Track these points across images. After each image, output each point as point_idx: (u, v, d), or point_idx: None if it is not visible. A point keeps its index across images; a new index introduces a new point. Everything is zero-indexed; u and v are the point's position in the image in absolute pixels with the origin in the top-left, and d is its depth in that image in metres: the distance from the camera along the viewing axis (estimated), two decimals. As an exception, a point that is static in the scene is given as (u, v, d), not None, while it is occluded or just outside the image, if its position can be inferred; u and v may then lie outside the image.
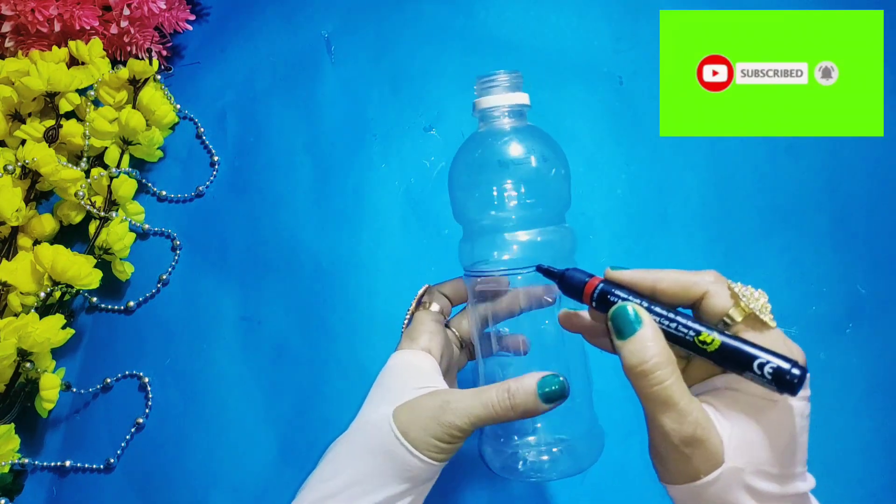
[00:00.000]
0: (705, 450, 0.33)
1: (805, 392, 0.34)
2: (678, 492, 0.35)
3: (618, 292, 0.37)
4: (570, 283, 0.38)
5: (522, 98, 0.45)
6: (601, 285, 0.37)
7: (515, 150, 0.44)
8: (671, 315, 0.36)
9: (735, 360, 0.34)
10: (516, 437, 0.43)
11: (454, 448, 0.39)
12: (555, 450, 0.42)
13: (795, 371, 0.32)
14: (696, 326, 0.35)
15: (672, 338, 0.35)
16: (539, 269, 0.40)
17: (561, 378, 0.38)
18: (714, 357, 0.35)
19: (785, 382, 0.33)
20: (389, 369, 0.43)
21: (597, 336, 0.41)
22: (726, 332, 0.35)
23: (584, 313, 0.41)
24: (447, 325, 0.49)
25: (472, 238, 0.45)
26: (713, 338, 0.34)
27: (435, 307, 0.47)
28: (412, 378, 0.41)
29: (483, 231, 0.44)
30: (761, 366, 0.33)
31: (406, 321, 0.48)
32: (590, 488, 0.53)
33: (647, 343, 0.34)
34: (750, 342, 0.34)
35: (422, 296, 0.48)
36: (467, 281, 0.46)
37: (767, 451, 0.33)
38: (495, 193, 0.43)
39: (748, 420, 0.34)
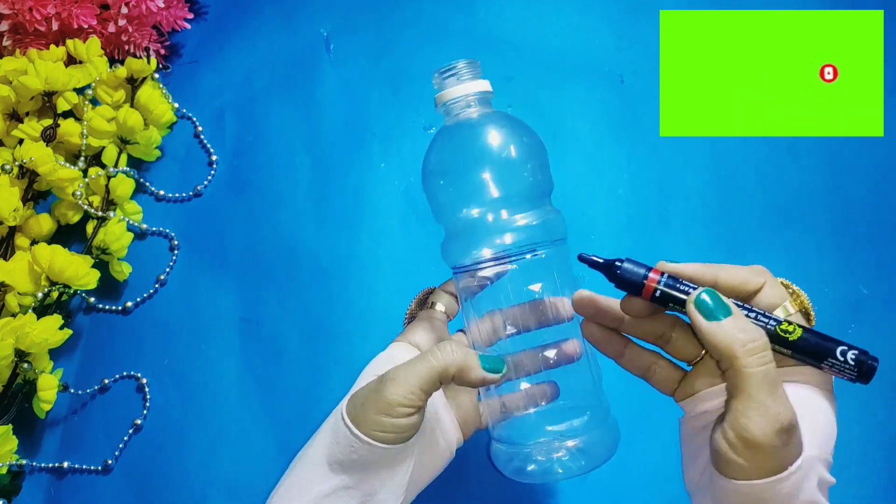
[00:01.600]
0: (797, 437, 0.32)
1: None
2: (751, 489, 0.32)
3: (681, 285, 0.36)
4: (626, 275, 0.37)
5: (484, 85, 0.44)
6: (665, 277, 0.36)
7: (488, 137, 0.43)
8: (747, 305, 0.35)
9: (816, 349, 0.34)
10: (528, 439, 0.42)
11: (406, 425, 0.37)
12: (569, 445, 0.41)
13: (873, 359, 0.34)
14: (775, 316, 0.35)
15: None
16: (581, 258, 0.39)
17: (504, 361, 0.39)
18: (793, 346, 0.34)
19: (865, 369, 0.33)
20: (371, 363, 0.43)
21: (608, 321, 0.39)
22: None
23: (602, 298, 0.39)
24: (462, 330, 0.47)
25: (457, 236, 0.43)
26: (794, 327, 0.34)
27: (439, 307, 0.45)
28: (382, 369, 0.40)
29: (467, 227, 0.43)
30: (844, 352, 0.33)
31: (407, 321, 0.48)
32: (590, 488, 0.53)
33: (749, 322, 0.33)
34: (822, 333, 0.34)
35: (423, 297, 0.47)
36: (458, 280, 0.44)
37: (829, 440, 0.33)
38: (475, 185, 0.42)
39: (808, 410, 0.34)
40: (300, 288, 0.61)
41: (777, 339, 0.34)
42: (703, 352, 0.38)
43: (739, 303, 0.35)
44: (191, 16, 0.71)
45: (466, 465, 0.54)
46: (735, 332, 0.32)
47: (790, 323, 0.34)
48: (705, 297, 0.34)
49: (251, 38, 0.73)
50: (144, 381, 0.58)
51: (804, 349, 0.34)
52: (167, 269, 0.63)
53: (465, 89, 0.43)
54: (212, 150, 0.67)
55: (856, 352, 0.33)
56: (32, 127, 0.61)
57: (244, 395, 0.58)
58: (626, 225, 0.62)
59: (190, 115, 0.69)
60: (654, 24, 0.70)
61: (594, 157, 0.65)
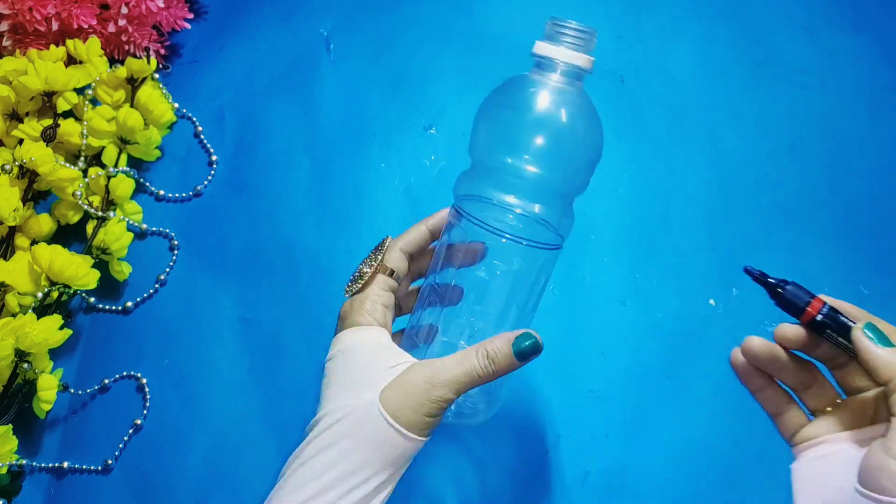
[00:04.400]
0: None
1: None
2: None
3: (841, 316, 0.38)
4: (789, 296, 0.40)
5: (585, 61, 0.43)
6: (827, 306, 0.39)
7: (558, 112, 0.43)
8: None
9: None
10: None
11: (440, 420, 0.40)
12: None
13: None
14: None
15: None
16: (748, 271, 0.41)
17: (534, 335, 0.40)
18: None
19: None
20: (352, 350, 0.42)
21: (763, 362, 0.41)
22: None
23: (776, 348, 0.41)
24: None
25: (478, 173, 0.44)
26: None
27: (393, 273, 0.45)
28: (380, 357, 0.41)
29: (490, 172, 0.43)
30: None
31: (356, 279, 0.45)
32: (590, 488, 0.53)
33: None
34: None
35: (380, 253, 0.45)
36: (457, 229, 0.44)
37: None
38: (531, 141, 0.42)
39: None
40: (300, 288, 0.61)
41: None
42: (835, 402, 0.40)
43: None
44: (191, 16, 0.71)
45: (467, 465, 0.54)
46: None
47: None
48: (874, 324, 0.37)
49: (251, 37, 0.73)
50: (144, 381, 0.58)
51: None
52: (167, 269, 0.63)
53: (572, 57, 0.43)
54: (212, 150, 0.67)
55: None
56: (32, 127, 0.61)
57: (244, 394, 0.58)
58: (626, 225, 0.62)
59: (190, 115, 0.69)
60: (655, 24, 0.70)
61: (594, 157, 0.65)
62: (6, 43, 0.65)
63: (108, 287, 0.62)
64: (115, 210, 0.62)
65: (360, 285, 0.44)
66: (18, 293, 0.56)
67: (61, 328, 0.54)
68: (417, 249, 0.47)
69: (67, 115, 0.64)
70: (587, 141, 0.44)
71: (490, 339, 0.40)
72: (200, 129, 0.68)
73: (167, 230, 0.64)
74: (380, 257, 0.45)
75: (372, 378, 0.40)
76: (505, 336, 0.40)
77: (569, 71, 0.43)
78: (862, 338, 0.36)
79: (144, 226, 0.64)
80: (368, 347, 0.42)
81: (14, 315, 0.55)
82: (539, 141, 0.42)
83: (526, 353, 0.40)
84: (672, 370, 0.57)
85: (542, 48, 0.43)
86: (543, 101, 0.43)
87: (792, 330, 0.40)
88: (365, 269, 0.45)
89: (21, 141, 0.60)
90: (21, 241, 0.59)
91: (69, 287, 0.56)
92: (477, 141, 0.45)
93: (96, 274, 0.58)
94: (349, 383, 0.40)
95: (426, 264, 0.48)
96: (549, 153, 0.42)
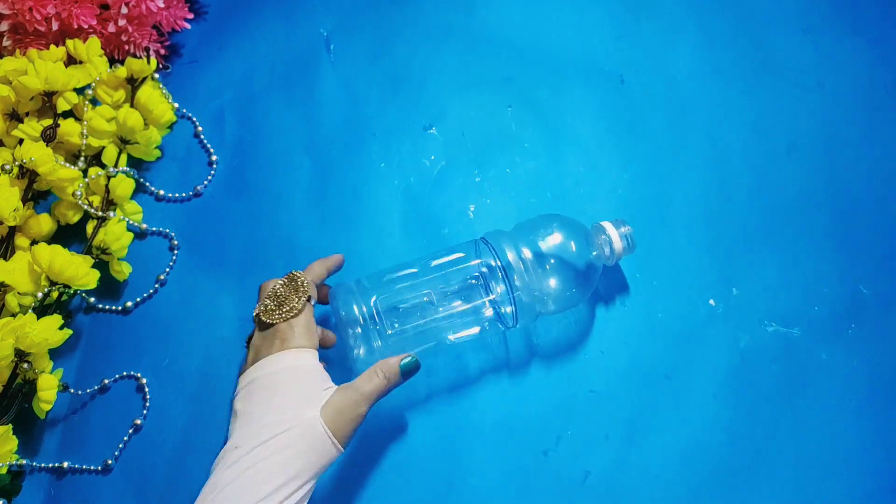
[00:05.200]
0: None
1: None
2: None
3: None
4: None
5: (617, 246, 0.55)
6: None
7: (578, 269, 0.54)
8: None
9: None
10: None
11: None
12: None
13: None
14: None
15: None
16: None
17: (415, 358, 0.50)
18: None
19: None
20: (296, 369, 0.48)
21: None
22: None
23: None
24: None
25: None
26: None
27: (312, 300, 0.51)
28: (316, 379, 0.48)
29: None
30: None
31: (280, 304, 0.50)
32: (590, 488, 0.53)
33: None
34: None
35: (292, 282, 0.51)
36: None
37: None
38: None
39: None
40: (300, 288, 0.61)
41: None
42: None
43: None
44: (191, 16, 0.71)
45: (467, 466, 0.54)
46: None
47: None
48: None
49: (251, 37, 0.73)
50: (144, 381, 0.58)
51: None
52: (167, 269, 0.63)
53: (617, 245, 0.54)
54: (212, 150, 0.67)
55: None
56: (32, 127, 0.61)
57: (244, 395, 0.58)
58: (626, 225, 0.62)
59: (190, 115, 0.69)
60: (655, 24, 0.70)
61: (594, 157, 0.65)
62: (6, 43, 0.65)
63: (108, 287, 0.62)
64: (115, 210, 0.62)
65: (294, 312, 0.50)
66: (18, 293, 0.56)
67: (61, 328, 0.54)
68: (319, 282, 0.54)
69: (67, 115, 0.64)
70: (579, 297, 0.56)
71: (385, 361, 0.49)
72: (200, 129, 0.68)
73: (167, 230, 0.64)
74: (305, 287, 0.51)
75: (313, 398, 0.46)
76: (395, 359, 0.49)
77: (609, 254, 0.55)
78: None
79: (144, 226, 0.64)
80: (310, 369, 0.48)
81: (14, 315, 0.55)
82: (552, 269, 0.54)
83: (409, 369, 0.49)
84: (672, 370, 0.57)
85: (612, 239, 0.55)
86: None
87: None
88: (294, 297, 0.51)
89: (21, 141, 0.60)
90: (21, 241, 0.59)
91: (69, 287, 0.56)
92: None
93: (96, 274, 0.58)
94: (293, 400, 0.46)
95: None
96: (542, 279, 0.54)
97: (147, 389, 0.58)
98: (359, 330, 0.51)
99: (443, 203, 0.64)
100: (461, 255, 0.55)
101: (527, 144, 0.66)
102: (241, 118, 0.69)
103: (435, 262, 0.55)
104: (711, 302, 0.59)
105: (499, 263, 0.53)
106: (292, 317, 0.50)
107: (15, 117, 0.63)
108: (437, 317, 0.53)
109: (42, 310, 0.56)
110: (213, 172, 0.66)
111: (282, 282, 0.52)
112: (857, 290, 0.59)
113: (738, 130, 0.66)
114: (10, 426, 0.53)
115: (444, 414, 0.56)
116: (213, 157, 0.67)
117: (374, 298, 0.53)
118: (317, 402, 0.46)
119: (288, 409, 0.45)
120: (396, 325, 0.53)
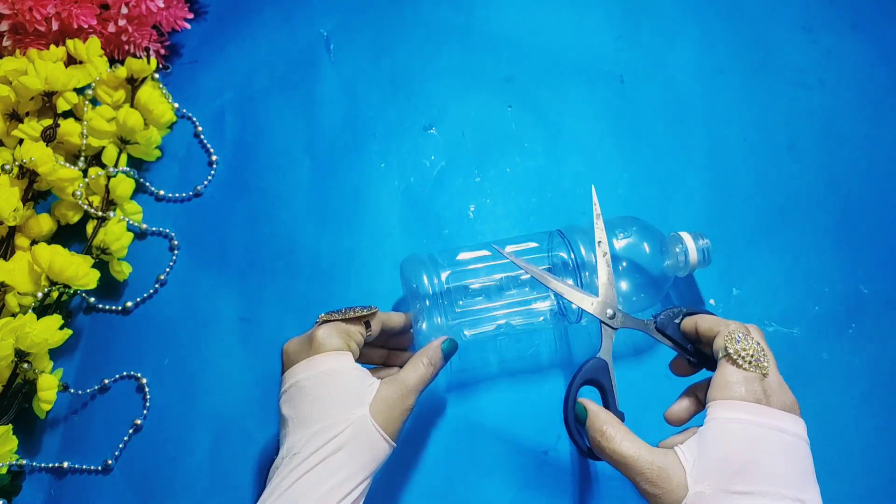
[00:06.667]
0: (669, 483, 0.40)
1: (740, 415, 0.40)
2: None
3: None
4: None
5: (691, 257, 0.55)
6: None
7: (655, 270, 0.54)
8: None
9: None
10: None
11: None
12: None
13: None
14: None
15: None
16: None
17: (452, 339, 0.50)
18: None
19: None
20: (337, 370, 0.46)
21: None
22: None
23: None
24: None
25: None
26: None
27: (370, 330, 0.50)
28: (359, 376, 0.47)
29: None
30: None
31: (340, 311, 0.49)
32: (591, 488, 0.53)
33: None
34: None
35: (369, 311, 0.50)
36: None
37: (726, 470, 0.39)
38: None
39: (702, 446, 0.40)
40: (300, 288, 0.61)
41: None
42: None
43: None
44: (191, 16, 0.71)
45: (467, 465, 0.54)
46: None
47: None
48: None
49: (251, 37, 0.73)
50: (144, 381, 0.58)
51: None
52: (167, 269, 0.63)
53: (693, 257, 0.55)
54: (212, 150, 0.67)
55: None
56: (32, 127, 0.61)
57: (244, 394, 0.58)
58: (626, 225, 0.62)
59: (190, 115, 0.69)
60: (655, 24, 0.70)
61: (594, 157, 0.65)
62: (6, 43, 0.65)
63: (108, 287, 0.62)
64: (115, 210, 0.62)
65: (346, 316, 0.49)
66: (18, 293, 0.56)
67: (61, 328, 0.54)
68: (389, 329, 0.52)
69: (67, 115, 0.64)
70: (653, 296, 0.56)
71: (427, 346, 0.49)
72: (200, 129, 0.68)
73: (167, 230, 0.64)
74: (366, 312, 0.50)
75: (360, 396, 0.46)
76: (436, 342, 0.49)
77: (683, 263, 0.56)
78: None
79: (144, 226, 0.64)
80: (351, 367, 0.47)
81: (14, 315, 0.55)
82: (629, 267, 0.54)
83: (450, 351, 0.50)
84: (672, 370, 0.57)
85: (691, 253, 0.55)
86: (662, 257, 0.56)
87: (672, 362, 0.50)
88: (354, 308, 0.50)
89: (21, 141, 0.60)
90: (21, 241, 0.59)
91: (69, 287, 0.56)
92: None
93: (96, 274, 0.58)
94: (341, 400, 0.45)
95: (378, 355, 0.55)
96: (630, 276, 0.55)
97: (147, 389, 0.58)
98: (427, 303, 0.51)
99: (443, 203, 0.64)
100: (535, 244, 0.55)
101: (527, 144, 0.66)
102: (241, 118, 0.69)
103: (509, 249, 0.54)
104: (711, 302, 0.59)
105: (573, 258, 0.52)
106: (338, 320, 0.49)
107: (15, 117, 0.63)
108: (504, 303, 0.52)
109: (42, 310, 0.56)
110: (213, 172, 0.66)
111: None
112: (857, 290, 0.59)
113: (738, 129, 0.66)
114: (10, 426, 0.53)
115: (445, 414, 0.56)
116: (213, 157, 0.67)
117: (446, 274, 0.52)
118: (365, 400, 0.45)
119: (338, 411, 0.45)
120: (462, 305, 0.52)
